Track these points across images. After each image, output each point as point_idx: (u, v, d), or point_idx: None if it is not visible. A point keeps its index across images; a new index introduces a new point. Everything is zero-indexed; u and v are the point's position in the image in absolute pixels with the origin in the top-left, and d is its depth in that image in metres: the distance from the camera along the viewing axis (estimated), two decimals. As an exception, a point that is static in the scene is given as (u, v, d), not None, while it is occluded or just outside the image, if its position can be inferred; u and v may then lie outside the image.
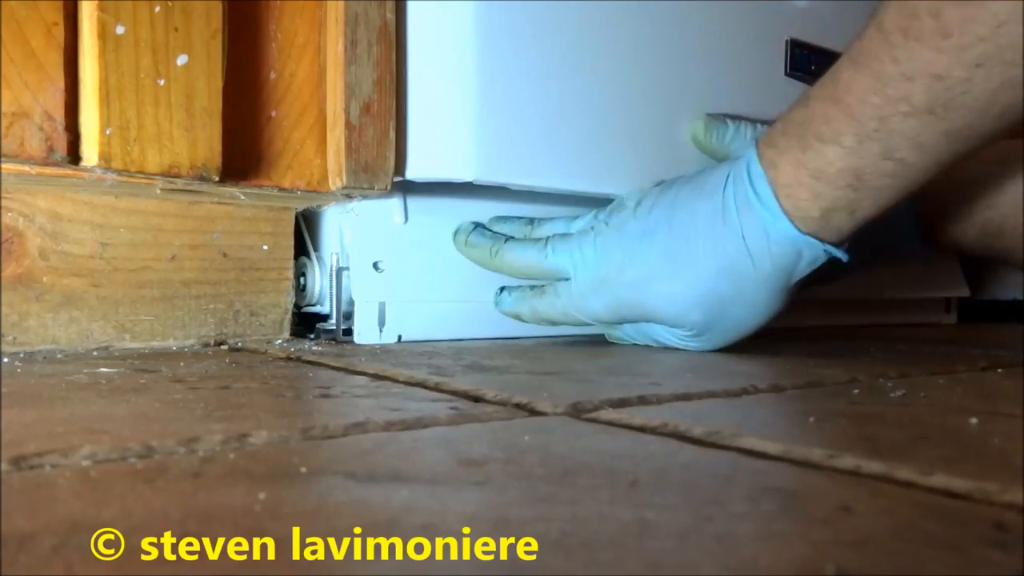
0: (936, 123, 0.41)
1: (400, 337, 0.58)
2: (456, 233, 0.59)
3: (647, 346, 0.57)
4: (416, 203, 0.59)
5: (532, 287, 0.58)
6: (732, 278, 0.50)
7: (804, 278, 0.51)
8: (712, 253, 0.50)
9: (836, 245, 0.49)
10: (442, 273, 0.60)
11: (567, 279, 0.56)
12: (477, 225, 0.59)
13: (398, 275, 0.58)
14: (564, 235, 0.57)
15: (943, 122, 0.41)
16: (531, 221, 0.60)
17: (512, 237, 0.58)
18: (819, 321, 0.84)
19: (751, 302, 0.50)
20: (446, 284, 0.60)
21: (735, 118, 0.64)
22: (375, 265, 0.57)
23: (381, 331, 0.57)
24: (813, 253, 0.48)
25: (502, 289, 0.59)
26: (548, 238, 0.57)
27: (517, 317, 0.59)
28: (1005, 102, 0.40)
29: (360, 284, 0.57)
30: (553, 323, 0.58)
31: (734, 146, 0.62)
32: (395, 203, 0.58)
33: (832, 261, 0.50)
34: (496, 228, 0.60)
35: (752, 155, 0.50)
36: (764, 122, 0.62)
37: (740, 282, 0.50)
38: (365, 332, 0.57)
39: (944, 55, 0.40)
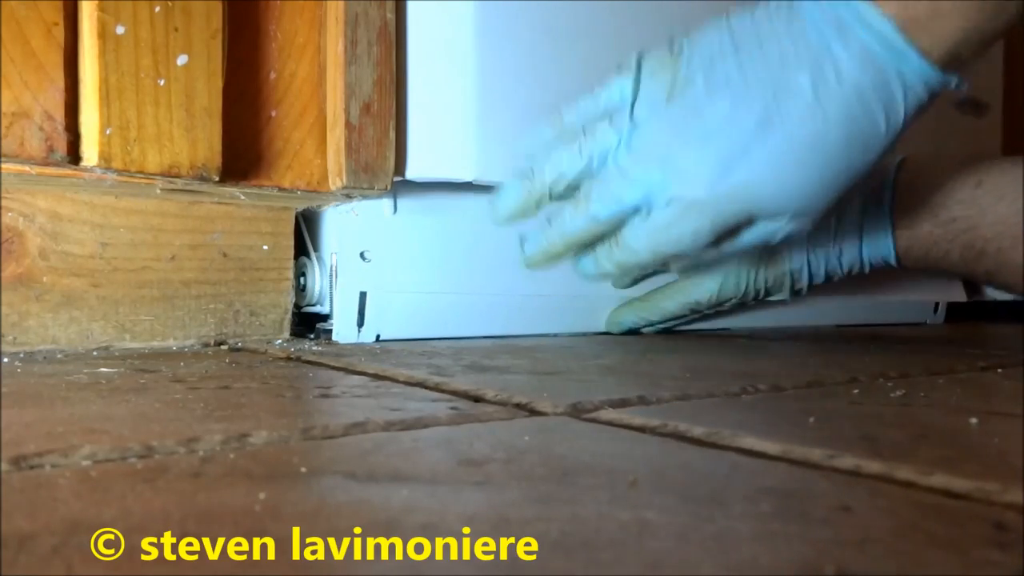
0: None
1: (378, 336, 0.58)
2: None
3: (649, 345, 0.57)
4: (405, 199, 0.59)
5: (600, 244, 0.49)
6: (855, 128, 0.43)
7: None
8: (839, 100, 0.43)
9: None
10: (429, 263, 0.60)
11: (635, 212, 0.47)
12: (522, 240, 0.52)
13: (385, 266, 0.58)
14: (593, 180, 0.47)
15: None
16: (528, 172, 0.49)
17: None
18: (805, 321, 0.83)
19: (867, 145, 0.44)
20: (433, 275, 0.60)
21: None
22: (362, 255, 0.57)
23: (359, 330, 0.57)
24: (937, 87, 0.44)
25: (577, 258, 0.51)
26: (581, 199, 0.48)
27: (605, 275, 0.51)
28: None
29: (345, 276, 0.57)
30: (641, 267, 0.51)
31: None
32: (385, 199, 0.58)
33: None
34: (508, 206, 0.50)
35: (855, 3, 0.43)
36: None
37: (869, 131, 0.44)
38: (344, 331, 0.57)
39: None
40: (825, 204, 0.46)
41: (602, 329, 0.69)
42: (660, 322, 0.68)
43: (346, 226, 0.57)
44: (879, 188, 0.61)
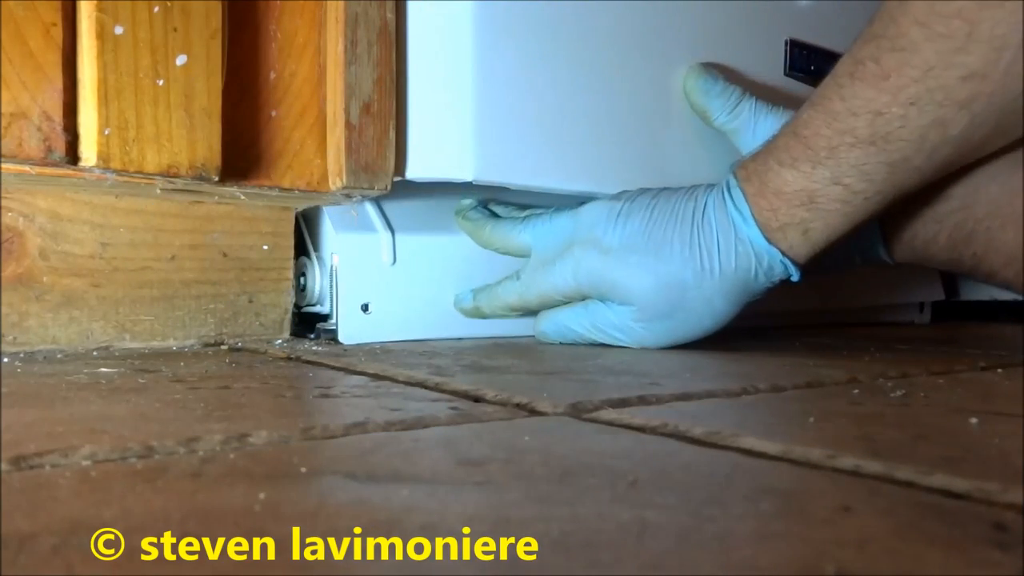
0: (878, 153, 0.48)
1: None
2: (458, 209, 0.63)
3: (641, 348, 0.57)
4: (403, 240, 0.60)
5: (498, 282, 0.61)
6: (696, 271, 0.53)
7: (760, 292, 0.55)
8: (685, 242, 0.54)
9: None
10: (429, 269, 0.61)
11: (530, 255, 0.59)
12: (477, 204, 0.63)
13: (387, 271, 0.59)
14: (540, 215, 0.60)
15: (884, 153, 0.48)
16: (524, 208, 0.63)
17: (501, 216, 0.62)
18: (786, 321, 0.83)
19: (708, 298, 0.54)
20: (434, 279, 0.61)
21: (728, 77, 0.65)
22: (364, 307, 0.58)
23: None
24: (771, 260, 0.53)
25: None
26: (526, 216, 0.60)
27: (477, 311, 0.61)
28: (934, 139, 0.47)
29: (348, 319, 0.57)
30: (511, 308, 0.60)
31: (716, 105, 0.64)
32: (384, 243, 0.59)
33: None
34: (493, 208, 0.64)
35: (731, 176, 0.55)
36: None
37: (703, 276, 0.53)
38: (350, 332, 0.57)
39: (884, 94, 0.47)
40: (665, 308, 0.55)
41: None
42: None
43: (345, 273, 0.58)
44: None
